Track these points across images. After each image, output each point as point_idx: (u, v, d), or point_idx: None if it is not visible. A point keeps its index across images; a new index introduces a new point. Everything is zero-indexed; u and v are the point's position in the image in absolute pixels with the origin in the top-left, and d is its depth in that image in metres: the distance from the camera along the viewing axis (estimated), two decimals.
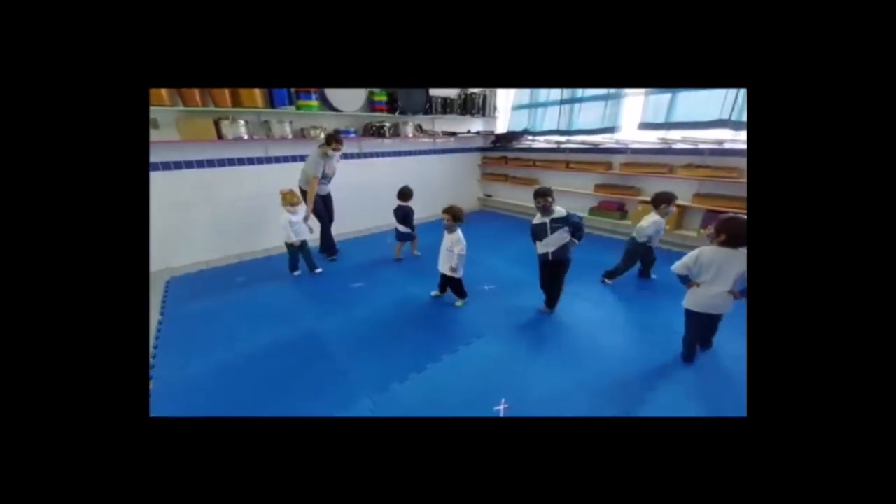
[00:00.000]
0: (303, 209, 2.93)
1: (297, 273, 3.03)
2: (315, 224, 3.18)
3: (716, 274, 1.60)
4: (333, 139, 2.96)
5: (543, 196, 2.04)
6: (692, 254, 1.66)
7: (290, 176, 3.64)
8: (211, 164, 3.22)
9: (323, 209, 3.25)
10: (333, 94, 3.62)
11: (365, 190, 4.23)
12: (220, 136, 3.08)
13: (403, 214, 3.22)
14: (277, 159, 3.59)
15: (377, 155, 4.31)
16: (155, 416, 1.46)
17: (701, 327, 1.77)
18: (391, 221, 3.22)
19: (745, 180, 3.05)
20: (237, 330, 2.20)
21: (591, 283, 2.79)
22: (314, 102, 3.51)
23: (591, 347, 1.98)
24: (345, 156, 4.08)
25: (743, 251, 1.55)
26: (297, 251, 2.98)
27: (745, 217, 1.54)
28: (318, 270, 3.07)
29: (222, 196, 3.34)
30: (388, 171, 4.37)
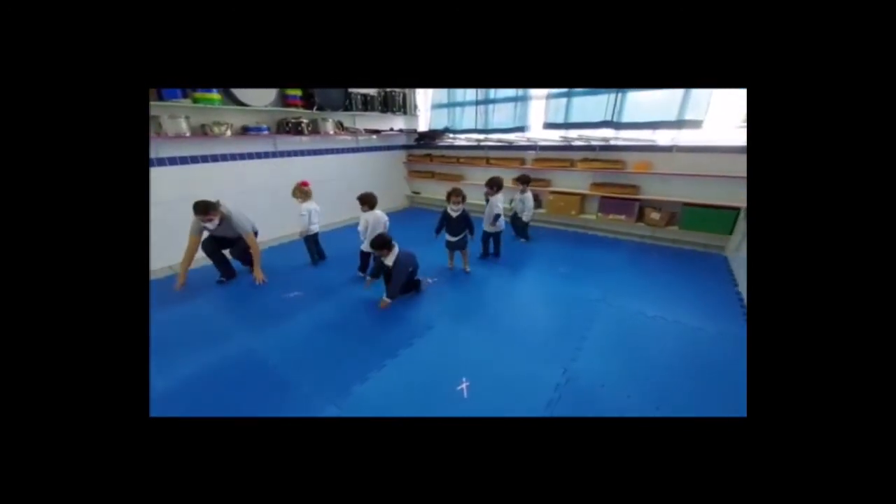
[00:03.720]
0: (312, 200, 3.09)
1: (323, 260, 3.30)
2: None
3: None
4: (196, 209, 2.45)
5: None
6: (503, 205, 3.07)
7: (195, 180, 3.18)
8: None
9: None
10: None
11: (285, 191, 3.91)
12: None
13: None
14: (173, 161, 3.08)
15: (295, 154, 4.01)
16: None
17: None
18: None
19: (628, 170, 3.74)
20: (153, 359, 1.87)
21: (520, 266, 3.10)
22: (215, 95, 3.10)
23: (522, 316, 2.25)
24: (259, 155, 3.71)
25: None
26: (315, 240, 3.20)
27: (498, 175, 3.15)
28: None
29: None
30: (310, 171, 4.10)
